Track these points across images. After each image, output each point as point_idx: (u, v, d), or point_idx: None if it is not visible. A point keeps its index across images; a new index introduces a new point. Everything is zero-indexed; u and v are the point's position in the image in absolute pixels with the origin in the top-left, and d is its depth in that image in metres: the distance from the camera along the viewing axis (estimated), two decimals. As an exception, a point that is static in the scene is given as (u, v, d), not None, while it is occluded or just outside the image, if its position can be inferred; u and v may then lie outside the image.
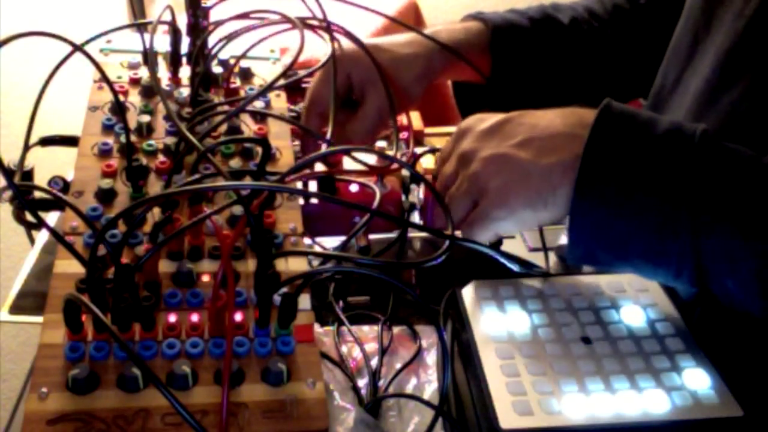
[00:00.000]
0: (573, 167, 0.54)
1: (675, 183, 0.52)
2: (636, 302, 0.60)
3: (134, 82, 0.77)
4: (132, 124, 0.70)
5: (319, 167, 0.75)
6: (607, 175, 0.54)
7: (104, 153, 0.68)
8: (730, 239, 0.51)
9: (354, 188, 0.71)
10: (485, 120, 0.62)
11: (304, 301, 0.57)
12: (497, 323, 0.58)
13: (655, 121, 0.55)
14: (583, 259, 0.58)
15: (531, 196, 0.57)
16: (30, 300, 0.70)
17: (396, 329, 0.67)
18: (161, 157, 0.68)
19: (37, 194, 0.61)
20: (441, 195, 0.62)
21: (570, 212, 0.55)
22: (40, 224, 0.55)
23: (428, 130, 0.90)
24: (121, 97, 0.73)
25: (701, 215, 0.51)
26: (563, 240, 0.75)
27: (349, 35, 0.75)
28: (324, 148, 0.69)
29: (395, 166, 0.69)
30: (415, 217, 0.72)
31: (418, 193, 0.74)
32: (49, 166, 0.68)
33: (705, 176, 0.52)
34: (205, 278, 0.59)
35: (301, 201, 0.69)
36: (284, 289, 0.55)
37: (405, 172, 0.75)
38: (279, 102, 0.79)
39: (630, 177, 0.53)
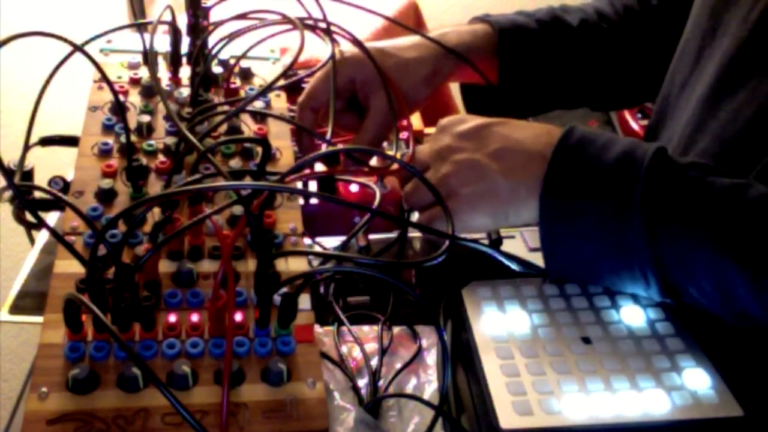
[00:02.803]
0: (537, 189, 0.57)
1: (626, 204, 0.54)
2: (636, 302, 0.60)
3: (134, 82, 0.77)
4: (132, 124, 0.70)
5: (319, 167, 0.75)
6: (566, 200, 0.56)
7: (104, 153, 0.68)
8: (685, 254, 0.53)
9: (354, 188, 0.71)
10: (466, 122, 0.64)
11: (304, 301, 0.57)
12: (497, 323, 0.58)
13: (611, 145, 0.57)
14: (559, 279, 0.61)
15: (496, 208, 0.60)
16: (30, 300, 0.70)
17: (396, 329, 0.67)
18: (161, 157, 0.68)
19: (37, 194, 0.61)
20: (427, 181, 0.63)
21: (540, 237, 0.58)
22: (40, 224, 0.55)
23: (428, 130, 0.89)
24: (121, 97, 0.73)
25: (653, 232, 0.54)
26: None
27: (353, 40, 0.75)
28: (324, 148, 0.69)
29: (395, 166, 0.69)
30: (415, 217, 0.72)
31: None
32: (49, 166, 0.68)
33: (653, 195, 0.54)
34: (205, 278, 0.59)
35: (301, 201, 0.69)
36: (284, 289, 0.55)
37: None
38: (279, 102, 0.79)
39: (586, 201, 0.56)
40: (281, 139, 0.73)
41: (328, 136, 0.68)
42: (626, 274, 0.56)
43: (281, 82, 0.67)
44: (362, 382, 0.62)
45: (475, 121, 0.64)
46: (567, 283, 0.61)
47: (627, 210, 0.54)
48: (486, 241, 0.71)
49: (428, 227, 0.63)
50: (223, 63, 0.79)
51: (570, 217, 0.56)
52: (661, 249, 0.54)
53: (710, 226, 0.53)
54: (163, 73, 0.79)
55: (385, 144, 0.80)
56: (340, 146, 0.74)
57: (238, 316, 0.56)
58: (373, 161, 0.76)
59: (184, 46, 0.78)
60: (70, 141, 0.71)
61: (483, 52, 0.79)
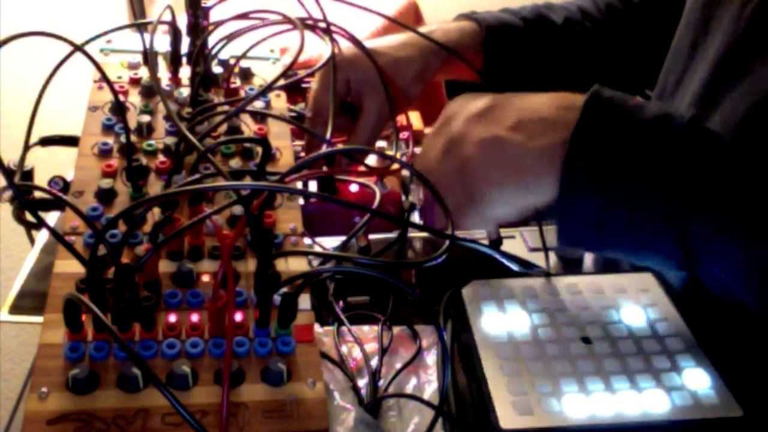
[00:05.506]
0: (562, 152, 0.55)
1: (659, 169, 0.52)
2: (636, 302, 0.60)
3: (134, 82, 0.77)
4: (132, 124, 0.70)
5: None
6: (594, 160, 0.54)
7: (104, 153, 0.68)
8: (715, 227, 0.52)
9: (354, 188, 0.71)
10: (473, 102, 0.62)
11: (304, 301, 0.57)
12: (497, 323, 0.58)
13: (644, 107, 0.55)
14: (573, 244, 0.58)
15: (523, 179, 0.57)
16: (30, 300, 0.70)
17: (396, 329, 0.67)
18: (161, 157, 0.68)
19: (37, 194, 0.61)
20: (427, 180, 0.61)
21: (558, 196, 0.55)
22: (40, 224, 0.55)
23: (428, 130, 0.90)
24: (121, 97, 0.73)
25: (684, 201, 0.52)
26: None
27: (350, 38, 0.75)
28: (324, 148, 0.69)
29: (395, 166, 0.69)
30: (415, 217, 0.72)
31: (418, 193, 0.74)
32: (49, 166, 0.68)
33: (689, 163, 0.52)
34: (205, 278, 0.59)
35: (301, 201, 0.69)
36: (284, 289, 0.55)
37: (405, 172, 0.74)
38: (279, 102, 0.79)
39: (616, 163, 0.53)
40: (281, 139, 0.73)
41: (328, 135, 0.68)
42: (647, 242, 0.54)
43: (281, 82, 0.67)
44: (362, 382, 0.62)
45: (482, 100, 0.61)
46: (577, 248, 0.60)
47: (658, 173, 0.52)
48: (486, 241, 0.71)
49: (428, 227, 0.63)
50: (223, 63, 0.79)
51: (595, 175, 0.54)
52: (691, 217, 0.52)
53: (746, 198, 0.51)
54: (163, 73, 0.79)
55: (385, 144, 0.80)
56: (339, 146, 0.74)
57: (238, 316, 0.56)
58: (372, 162, 0.76)
59: (184, 46, 0.78)
60: (70, 141, 0.71)
61: (469, 49, 0.80)
